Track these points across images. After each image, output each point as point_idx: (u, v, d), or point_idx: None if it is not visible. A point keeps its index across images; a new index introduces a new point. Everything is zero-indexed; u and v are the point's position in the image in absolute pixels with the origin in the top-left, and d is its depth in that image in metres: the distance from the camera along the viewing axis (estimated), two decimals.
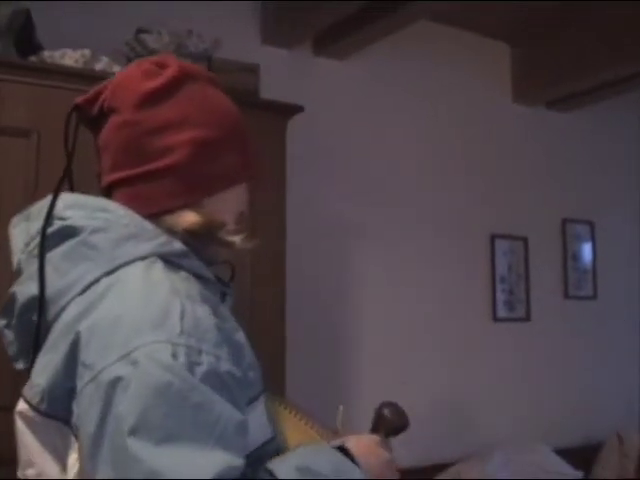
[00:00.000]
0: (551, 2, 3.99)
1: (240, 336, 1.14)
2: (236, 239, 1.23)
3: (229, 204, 1.27)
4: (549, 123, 4.83)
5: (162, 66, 1.25)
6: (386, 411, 1.46)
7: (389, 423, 1.45)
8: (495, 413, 4.26)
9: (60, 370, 1.06)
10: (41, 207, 1.21)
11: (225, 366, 1.02)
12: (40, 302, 1.13)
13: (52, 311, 1.13)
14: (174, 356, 0.97)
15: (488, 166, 4.50)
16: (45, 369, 1.09)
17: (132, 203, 1.19)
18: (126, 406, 0.94)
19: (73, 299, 1.10)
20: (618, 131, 5.19)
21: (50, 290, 1.13)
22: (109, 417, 0.95)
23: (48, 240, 1.15)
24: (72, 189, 1.28)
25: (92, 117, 1.27)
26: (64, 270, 1.13)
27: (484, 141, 4.50)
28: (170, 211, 1.19)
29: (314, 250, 3.70)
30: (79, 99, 1.27)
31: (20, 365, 1.21)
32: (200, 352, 0.99)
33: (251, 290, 2.78)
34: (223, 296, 1.27)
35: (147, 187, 1.19)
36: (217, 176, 1.23)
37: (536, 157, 4.74)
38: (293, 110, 3.12)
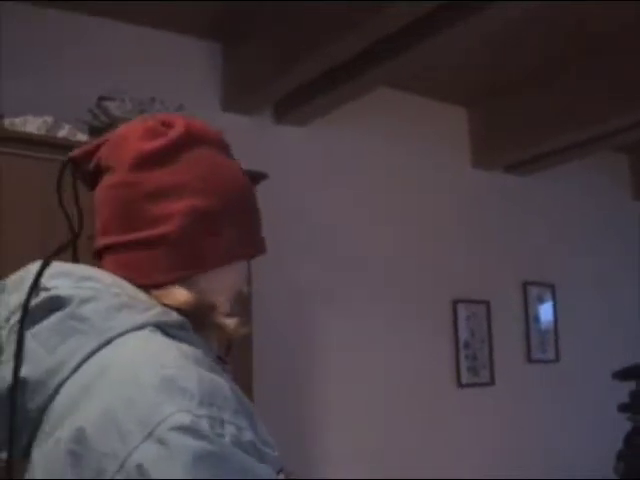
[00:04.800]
0: (509, 66, 4.07)
1: (252, 407, 1.04)
2: (230, 322, 1.11)
3: (226, 282, 1.14)
4: (508, 187, 4.89)
5: (168, 125, 1.14)
6: None
7: None
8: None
9: (65, 466, 0.93)
10: (20, 277, 1.08)
11: (247, 436, 0.93)
12: (16, 384, 1.00)
13: (41, 395, 1.00)
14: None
15: (449, 231, 4.52)
16: (46, 464, 0.97)
17: (120, 272, 1.07)
18: None
19: (65, 382, 0.98)
20: (576, 194, 5.27)
21: (37, 370, 1.00)
22: None
23: (32, 314, 1.03)
24: (75, 257, 1.17)
25: (88, 173, 1.16)
26: (52, 346, 1.00)
27: (444, 206, 4.54)
28: (159, 286, 1.07)
29: (281, 314, 3.67)
30: (75, 152, 1.15)
31: (3, 455, 1.06)
32: (222, 422, 0.90)
33: None
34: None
35: (136, 257, 1.08)
36: (215, 251, 1.10)
37: (496, 221, 4.78)
38: (258, 177, 3.10)
